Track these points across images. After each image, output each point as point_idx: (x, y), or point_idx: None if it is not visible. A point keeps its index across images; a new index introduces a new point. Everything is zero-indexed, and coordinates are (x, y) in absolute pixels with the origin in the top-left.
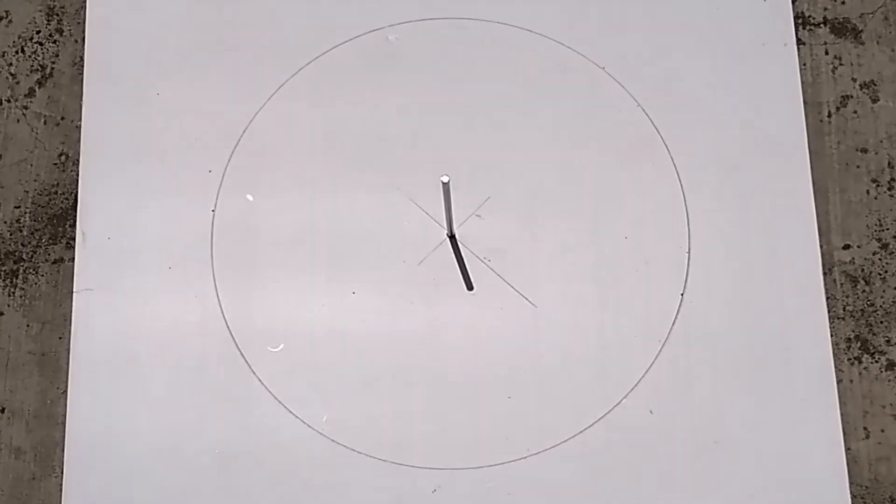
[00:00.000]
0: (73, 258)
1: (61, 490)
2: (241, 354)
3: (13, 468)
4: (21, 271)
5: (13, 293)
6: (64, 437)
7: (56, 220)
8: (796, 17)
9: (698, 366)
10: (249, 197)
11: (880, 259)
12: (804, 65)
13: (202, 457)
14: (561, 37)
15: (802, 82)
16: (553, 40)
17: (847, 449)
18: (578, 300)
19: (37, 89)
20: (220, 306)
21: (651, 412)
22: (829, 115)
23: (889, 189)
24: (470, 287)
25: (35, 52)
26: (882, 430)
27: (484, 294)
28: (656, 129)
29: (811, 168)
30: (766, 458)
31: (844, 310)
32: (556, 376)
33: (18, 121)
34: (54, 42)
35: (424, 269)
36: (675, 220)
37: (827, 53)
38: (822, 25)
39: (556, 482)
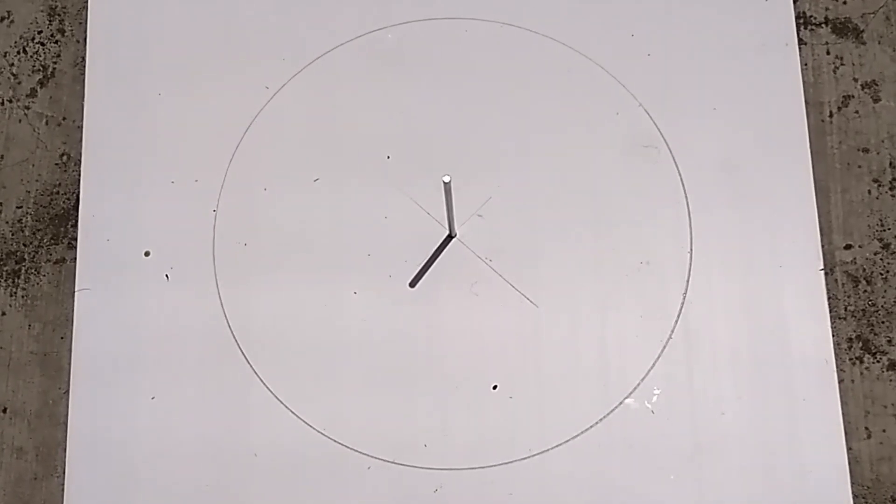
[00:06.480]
0: (75, 258)
1: (63, 490)
2: (243, 354)
3: (15, 468)
4: (23, 271)
5: (15, 293)
6: (66, 437)
7: (58, 220)
8: (798, 17)
9: (700, 366)
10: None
11: (882, 259)
12: (805, 65)
13: (203, 457)
14: (562, 37)
15: (804, 82)
16: (554, 40)
17: (849, 449)
18: (580, 300)
19: (38, 89)
20: (222, 306)
21: (653, 412)
22: (831, 115)
23: (890, 189)
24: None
25: (37, 53)
26: (884, 430)
27: (485, 294)
28: (658, 128)
29: (813, 168)
30: (768, 458)
31: (846, 310)
32: (557, 376)
33: (20, 121)
34: (56, 42)
35: (426, 269)
36: (677, 220)
37: (828, 53)
38: (823, 25)
39: (557, 482)
